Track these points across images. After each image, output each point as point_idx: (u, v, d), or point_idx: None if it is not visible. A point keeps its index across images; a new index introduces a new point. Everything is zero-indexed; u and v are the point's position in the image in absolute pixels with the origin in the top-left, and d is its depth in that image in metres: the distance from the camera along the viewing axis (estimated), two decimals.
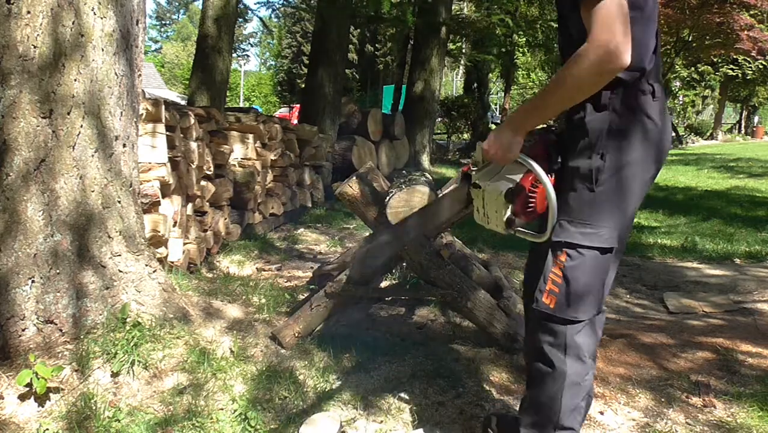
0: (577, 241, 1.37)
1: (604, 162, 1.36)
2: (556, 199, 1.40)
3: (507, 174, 1.49)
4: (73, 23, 1.90)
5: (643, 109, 1.35)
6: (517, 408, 1.99)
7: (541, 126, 1.49)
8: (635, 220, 1.66)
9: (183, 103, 9.09)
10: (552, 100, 1.36)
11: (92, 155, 1.98)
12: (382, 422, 1.92)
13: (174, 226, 3.09)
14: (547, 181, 1.40)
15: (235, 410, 1.89)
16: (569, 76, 1.29)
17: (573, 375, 1.41)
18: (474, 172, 1.59)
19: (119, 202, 2.08)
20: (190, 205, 3.48)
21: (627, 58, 1.22)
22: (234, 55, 13.43)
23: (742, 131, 32.98)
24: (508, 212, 1.47)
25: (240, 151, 4.49)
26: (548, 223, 1.42)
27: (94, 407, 1.79)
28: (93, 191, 1.99)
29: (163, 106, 2.93)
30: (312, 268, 3.65)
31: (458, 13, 14.40)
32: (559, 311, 1.40)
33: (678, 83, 26.80)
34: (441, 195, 1.74)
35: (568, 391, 1.41)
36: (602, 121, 1.36)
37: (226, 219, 4.17)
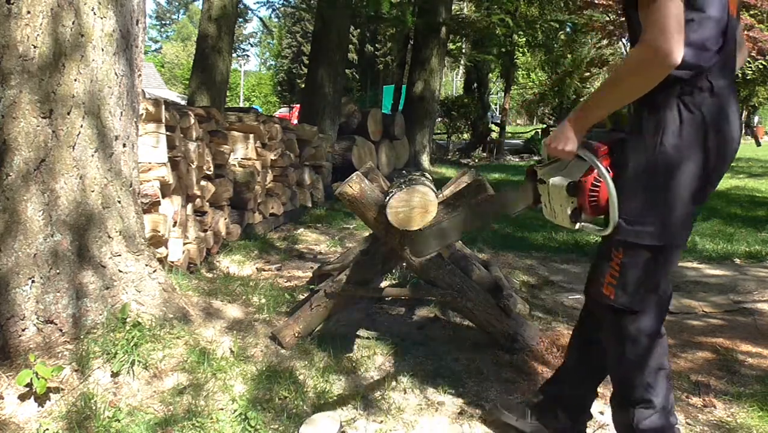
0: (631, 239, 1.44)
1: (656, 162, 1.40)
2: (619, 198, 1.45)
3: (571, 169, 1.54)
4: (73, 23, 1.90)
5: (699, 107, 1.37)
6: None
7: (610, 126, 1.56)
8: None
9: (183, 103, 9.09)
10: (607, 97, 1.43)
11: (92, 155, 1.98)
12: (382, 422, 1.92)
13: (174, 226, 3.09)
14: (608, 176, 1.45)
15: (235, 410, 1.89)
16: (622, 74, 1.36)
17: (633, 356, 1.51)
18: (539, 169, 1.65)
19: (119, 202, 2.08)
20: (190, 206, 3.48)
21: (677, 58, 1.27)
22: (234, 55, 13.45)
23: (743, 131, 32.98)
24: (572, 206, 1.53)
25: (240, 151, 4.49)
26: (610, 218, 1.47)
27: (94, 407, 1.79)
28: (93, 191, 1.99)
29: (163, 106, 2.93)
30: (312, 268, 3.65)
31: (458, 13, 14.40)
32: (618, 302, 1.49)
33: None
34: (509, 190, 1.80)
35: (632, 370, 1.52)
36: (657, 120, 1.40)
37: (226, 219, 4.17)
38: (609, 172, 1.46)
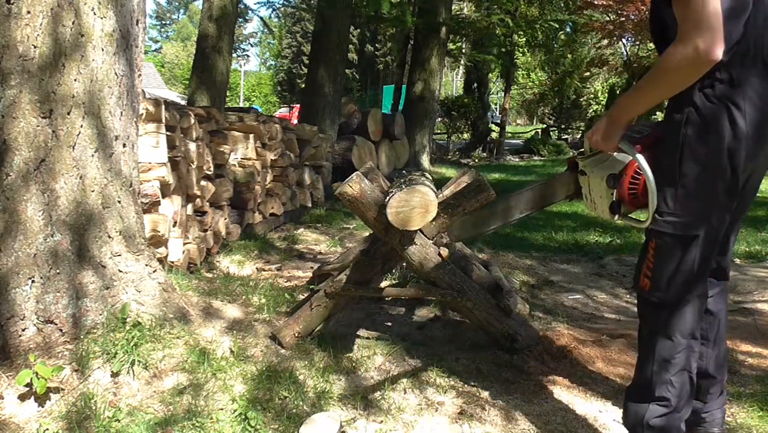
0: (663, 229, 1.46)
1: (682, 153, 1.41)
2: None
3: (612, 162, 1.56)
4: (73, 23, 1.90)
5: (721, 99, 1.37)
6: (518, 408, 1.99)
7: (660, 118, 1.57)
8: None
9: (183, 103, 9.09)
10: (646, 93, 1.44)
11: (92, 155, 1.98)
12: (382, 422, 1.92)
13: (174, 226, 3.09)
14: (648, 169, 1.46)
15: (235, 410, 1.89)
16: (662, 70, 1.36)
17: (661, 352, 1.52)
18: (581, 160, 1.66)
19: (119, 202, 2.08)
20: (190, 206, 3.48)
21: (718, 54, 1.26)
22: (234, 55, 13.45)
23: None
24: (612, 198, 1.55)
25: (240, 151, 4.49)
26: (649, 210, 1.48)
27: (94, 407, 1.79)
28: (93, 191, 1.99)
29: (163, 106, 2.93)
30: (312, 268, 3.65)
31: (458, 13, 14.41)
32: (652, 294, 1.51)
33: None
34: (549, 180, 1.81)
35: (657, 366, 1.53)
36: (680, 114, 1.41)
37: (226, 219, 4.17)
38: (649, 165, 1.47)
